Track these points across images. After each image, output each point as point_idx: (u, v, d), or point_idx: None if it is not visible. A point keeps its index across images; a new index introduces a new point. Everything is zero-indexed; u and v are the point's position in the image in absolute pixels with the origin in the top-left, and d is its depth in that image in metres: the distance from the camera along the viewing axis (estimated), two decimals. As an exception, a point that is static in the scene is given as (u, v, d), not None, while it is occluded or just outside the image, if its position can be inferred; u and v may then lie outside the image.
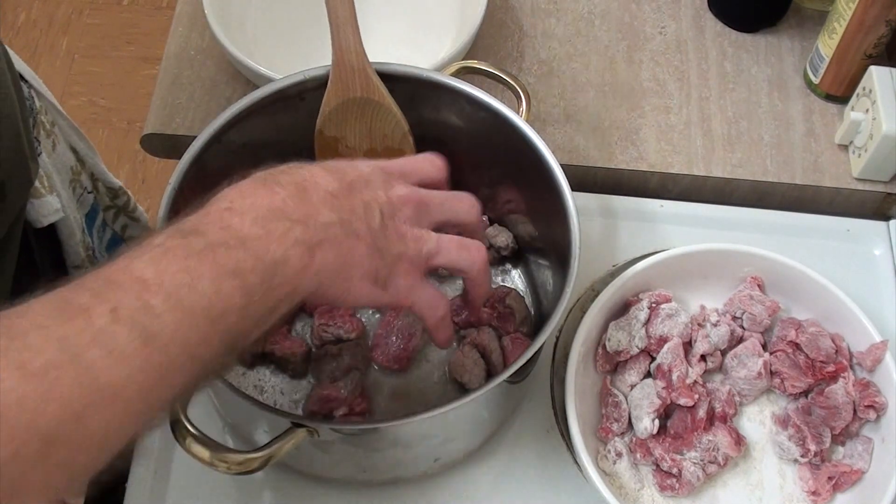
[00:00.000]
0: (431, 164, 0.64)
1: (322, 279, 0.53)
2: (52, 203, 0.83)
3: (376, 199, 0.57)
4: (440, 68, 0.83)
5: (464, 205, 0.64)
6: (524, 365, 0.65)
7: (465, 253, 0.61)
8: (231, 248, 0.48)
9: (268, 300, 0.50)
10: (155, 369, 0.44)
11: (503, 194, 0.81)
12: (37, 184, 0.81)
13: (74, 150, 0.94)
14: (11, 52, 0.82)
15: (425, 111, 0.77)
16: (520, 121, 0.73)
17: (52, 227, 0.86)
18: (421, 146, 0.81)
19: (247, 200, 0.51)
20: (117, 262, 0.46)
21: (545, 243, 0.78)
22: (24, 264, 0.83)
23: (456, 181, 0.83)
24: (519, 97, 0.77)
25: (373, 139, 0.73)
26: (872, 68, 0.86)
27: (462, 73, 0.78)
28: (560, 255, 0.70)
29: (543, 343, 0.66)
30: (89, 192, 0.97)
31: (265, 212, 0.51)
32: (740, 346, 0.78)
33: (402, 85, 0.75)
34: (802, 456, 0.74)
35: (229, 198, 0.52)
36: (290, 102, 0.74)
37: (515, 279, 0.82)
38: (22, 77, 0.85)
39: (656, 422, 0.74)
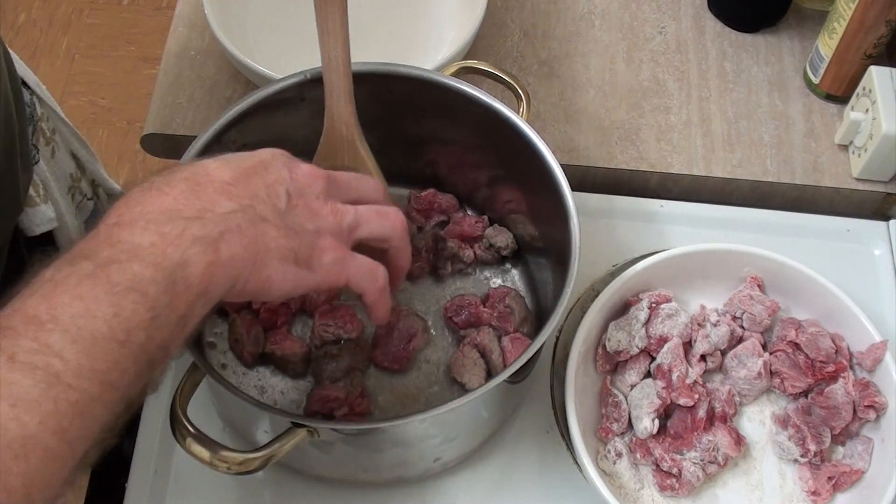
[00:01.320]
0: (374, 187, 0.63)
1: (235, 272, 0.50)
2: (46, 212, 0.82)
3: (280, 179, 0.54)
4: (440, 68, 0.83)
5: (369, 183, 0.62)
6: (524, 365, 0.65)
7: (386, 220, 0.61)
8: (123, 262, 0.46)
9: (177, 307, 0.47)
10: (69, 408, 0.42)
11: (503, 194, 0.81)
12: (31, 192, 0.80)
13: (75, 157, 0.94)
14: (14, 56, 0.82)
15: (425, 111, 0.77)
16: (520, 121, 0.73)
17: (49, 235, 0.86)
18: (421, 146, 0.82)
19: (135, 209, 0.48)
20: (10, 306, 0.44)
21: (545, 243, 0.78)
22: (14, 272, 0.82)
23: (456, 181, 0.84)
24: (519, 97, 0.77)
25: None
26: (872, 68, 0.86)
27: (462, 73, 0.78)
28: (560, 255, 0.70)
29: (543, 343, 0.66)
30: (89, 199, 0.96)
31: (156, 216, 0.48)
32: (740, 346, 0.78)
33: (403, 85, 0.75)
34: (802, 456, 0.74)
35: (117, 212, 0.49)
36: (290, 102, 0.74)
37: (515, 279, 0.82)
38: (24, 83, 0.84)
39: (656, 422, 0.74)
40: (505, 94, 0.79)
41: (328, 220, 0.56)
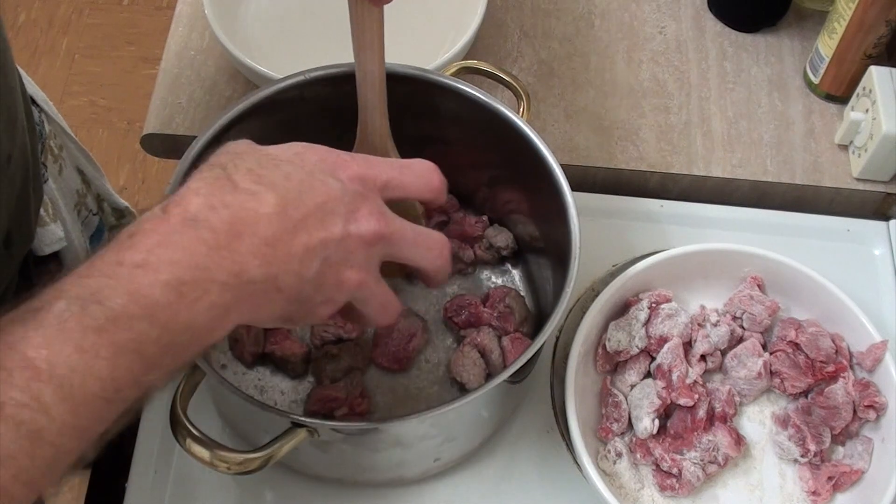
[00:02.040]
0: (427, 184, 0.57)
1: (231, 328, 0.49)
2: (56, 232, 0.81)
3: (326, 240, 0.50)
4: (440, 68, 0.83)
5: (432, 253, 0.57)
6: (524, 365, 0.65)
7: (383, 313, 0.57)
8: (135, 319, 0.44)
9: (171, 364, 0.47)
10: (43, 462, 0.42)
11: (503, 194, 0.81)
12: (41, 212, 0.80)
13: (81, 172, 0.93)
14: (24, 74, 0.81)
15: (426, 111, 0.77)
16: (520, 121, 0.73)
17: (55, 252, 0.85)
18: (421, 146, 0.81)
19: (166, 252, 0.46)
20: (10, 334, 0.43)
21: (545, 243, 0.78)
22: (22, 291, 0.81)
23: (457, 181, 0.84)
24: (519, 97, 0.77)
25: None
26: (872, 68, 0.86)
27: (462, 73, 0.78)
28: (560, 255, 0.70)
29: (543, 343, 0.66)
30: (94, 214, 0.96)
31: (183, 270, 0.46)
32: (740, 346, 0.78)
33: (403, 85, 0.74)
34: (802, 456, 0.74)
35: (146, 246, 0.46)
36: (290, 102, 0.74)
37: (516, 279, 0.82)
38: (34, 101, 0.84)
39: (656, 422, 0.74)
40: (505, 94, 0.79)
41: (344, 294, 0.53)
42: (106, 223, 0.99)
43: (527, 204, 0.79)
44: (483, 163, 0.80)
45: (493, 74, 0.78)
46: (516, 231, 0.82)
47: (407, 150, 0.79)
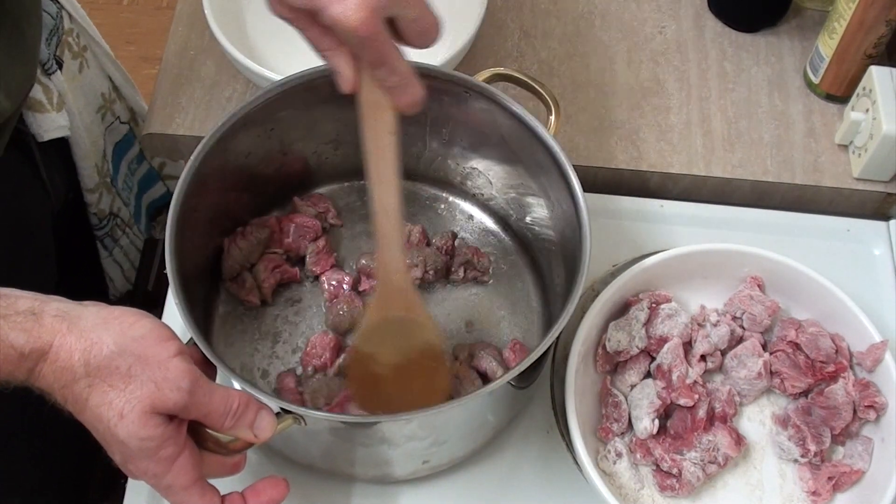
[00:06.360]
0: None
1: None
2: (56, 120, 0.85)
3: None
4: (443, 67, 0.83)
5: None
6: (529, 370, 0.65)
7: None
8: None
9: None
10: None
11: (522, 199, 0.81)
12: (43, 99, 0.83)
13: (111, 80, 0.96)
14: None
15: (439, 110, 0.77)
16: (545, 132, 0.73)
17: (67, 147, 0.88)
18: (433, 146, 0.82)
19: None
20: None
21: (557, 247, 0.77)
22: (28, 176, 0.85)
23: (476, 183, 0.84)
24: (549, 107, 0.76)
25: (408, 356, 0.71)
26: (872, 68, 0.86)
27: (494, 79, 0.77)
28: (569, 262, 0.70)
29: (547, 349, 0.66)
30: (123, 123, 0.99)
31: None
32: (740, 346, 0.78)
33: (433, 85, 0.74)
34: (802, 456, 0.74)
35: None
36: (319, 90, 0.74)
37: (529, 284, 0.82)
38: None
39: (656, 422, 0.74)
40: (510, 92, 0.79)
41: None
42: (137, 136, 1.02)
43: (545, 210, 0.79)
44: (509, 173, 0.80)
45: (525, 83, 0.77)
46: (533, 234, 0.81)
47: (431, 151, 0.80)
